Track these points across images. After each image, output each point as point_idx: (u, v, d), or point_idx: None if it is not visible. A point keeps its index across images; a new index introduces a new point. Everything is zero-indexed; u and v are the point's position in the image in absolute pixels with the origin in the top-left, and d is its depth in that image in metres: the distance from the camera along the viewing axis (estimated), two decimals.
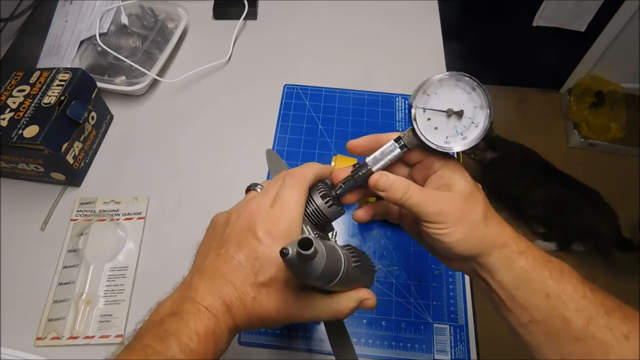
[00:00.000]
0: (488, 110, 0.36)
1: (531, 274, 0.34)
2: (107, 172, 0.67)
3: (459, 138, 0.36)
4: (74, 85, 0.61)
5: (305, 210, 0.37)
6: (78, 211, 0.62)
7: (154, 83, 0.76)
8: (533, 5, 1.63)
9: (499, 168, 1.54)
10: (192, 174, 0.67)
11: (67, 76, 0.62)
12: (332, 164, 0.58)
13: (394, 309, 0.55)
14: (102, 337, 0.53)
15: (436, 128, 0.36)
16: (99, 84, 0.68)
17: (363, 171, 0.38)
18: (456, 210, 0.34)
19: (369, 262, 0.38)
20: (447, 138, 0.36)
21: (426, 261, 0.59)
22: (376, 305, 0.37)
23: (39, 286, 0.56)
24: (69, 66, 0.70)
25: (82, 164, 0.65)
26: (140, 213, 0.62)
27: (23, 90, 0.60)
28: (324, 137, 0.70)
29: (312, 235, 0.36)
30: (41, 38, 0.77)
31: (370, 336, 0.54)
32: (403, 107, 0.74)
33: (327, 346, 0.53)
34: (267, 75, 0.78)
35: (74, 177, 0.64)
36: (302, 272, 0.28)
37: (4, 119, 0.57)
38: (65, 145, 0.60)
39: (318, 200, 0.38)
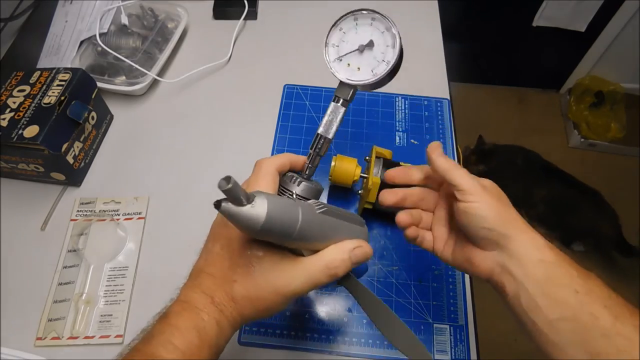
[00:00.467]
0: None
1: (559, 269, 0.35)
2: (107, 172, 0.67)
3: (383, 65, 0.41)
4: (74, 85, 0.61)
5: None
6: (78, 211, 0.62)
7: (154, 83, 0.76)
8: (533, 5, 1.63)
9: (500, 172, 1.54)
10: (192, 174, 0.67)
11: (67, 76, 0.62)
12: (332, 164, 0.58)
13: (393, 309, 0.55)
14: (102, 337, 0.53)
15: (359, 68, 0.42)
16: (99, 84, 0.68)
17: (322, 141, 0.43)
18: (489, 191, 0.39)
19: (348, 214, 0.38)
20: (372, 70, 0.42)
21: (426, 261, 0.59)
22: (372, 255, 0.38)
23: (39, 286, 0.56)
24: (69, 66, 0.70)
25: (82, 164, 0.65)
26: (140, 213, 0.62)
27: (23, 90, 0.61)
28: None
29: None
30: (41, 38, 0.77)
31: (370, 336, 0.54)
32: (403, 107, 0.74)
33: (328, 346, 0.53)
34: (267, 75, 0.78)
35: (74, 177, 0.64)
36: (243, 222, 0.28)
37: (4, 119, 0.57)
38: (65, 145, 0.60)
39: (291, 186, 0.40)
